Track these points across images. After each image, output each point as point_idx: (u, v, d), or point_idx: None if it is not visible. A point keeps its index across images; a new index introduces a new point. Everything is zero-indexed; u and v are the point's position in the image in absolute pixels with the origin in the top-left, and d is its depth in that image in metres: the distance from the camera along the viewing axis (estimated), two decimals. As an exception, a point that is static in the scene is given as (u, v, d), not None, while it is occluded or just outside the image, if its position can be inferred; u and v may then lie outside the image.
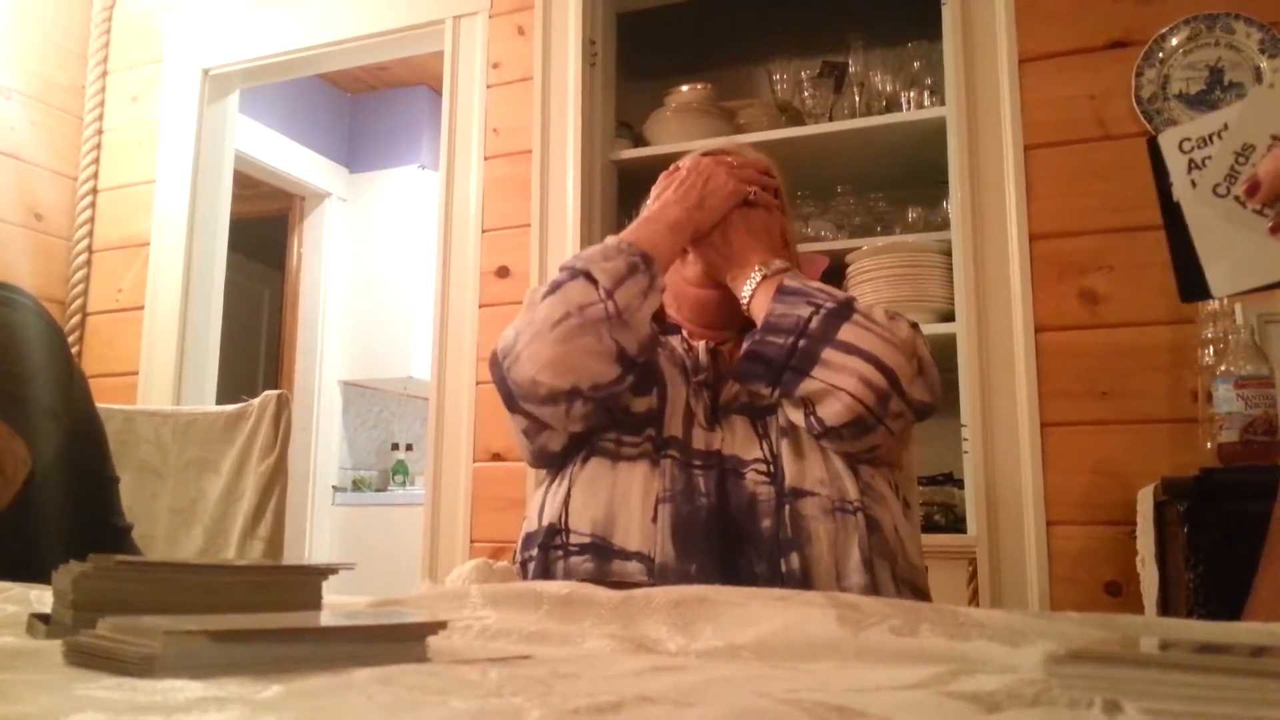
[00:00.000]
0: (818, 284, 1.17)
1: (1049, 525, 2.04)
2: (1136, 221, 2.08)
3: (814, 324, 1.10)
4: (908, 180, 2.59)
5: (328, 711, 0.40)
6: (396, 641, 0.51)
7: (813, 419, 1.10)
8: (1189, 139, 0.63)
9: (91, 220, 3.21)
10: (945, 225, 2.35)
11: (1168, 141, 0.63)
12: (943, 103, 2.32)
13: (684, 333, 1.30)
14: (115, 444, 1.61)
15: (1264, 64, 2.05)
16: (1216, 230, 0.61)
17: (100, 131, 3.27)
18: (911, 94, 2.50)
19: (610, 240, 1.19)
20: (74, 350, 3.09)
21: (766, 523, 1.07)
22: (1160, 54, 2.12)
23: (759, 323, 1.16)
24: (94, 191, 3.23)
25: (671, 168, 1.31)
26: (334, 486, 4.60)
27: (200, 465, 1.76)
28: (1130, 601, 1.93)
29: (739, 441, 1.15)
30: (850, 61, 2.59)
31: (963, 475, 2.14)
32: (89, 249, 3.19)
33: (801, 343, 1.10)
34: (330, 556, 4.39)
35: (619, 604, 0.61)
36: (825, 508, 1.08)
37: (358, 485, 4.75)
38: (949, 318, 2.22)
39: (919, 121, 2.38)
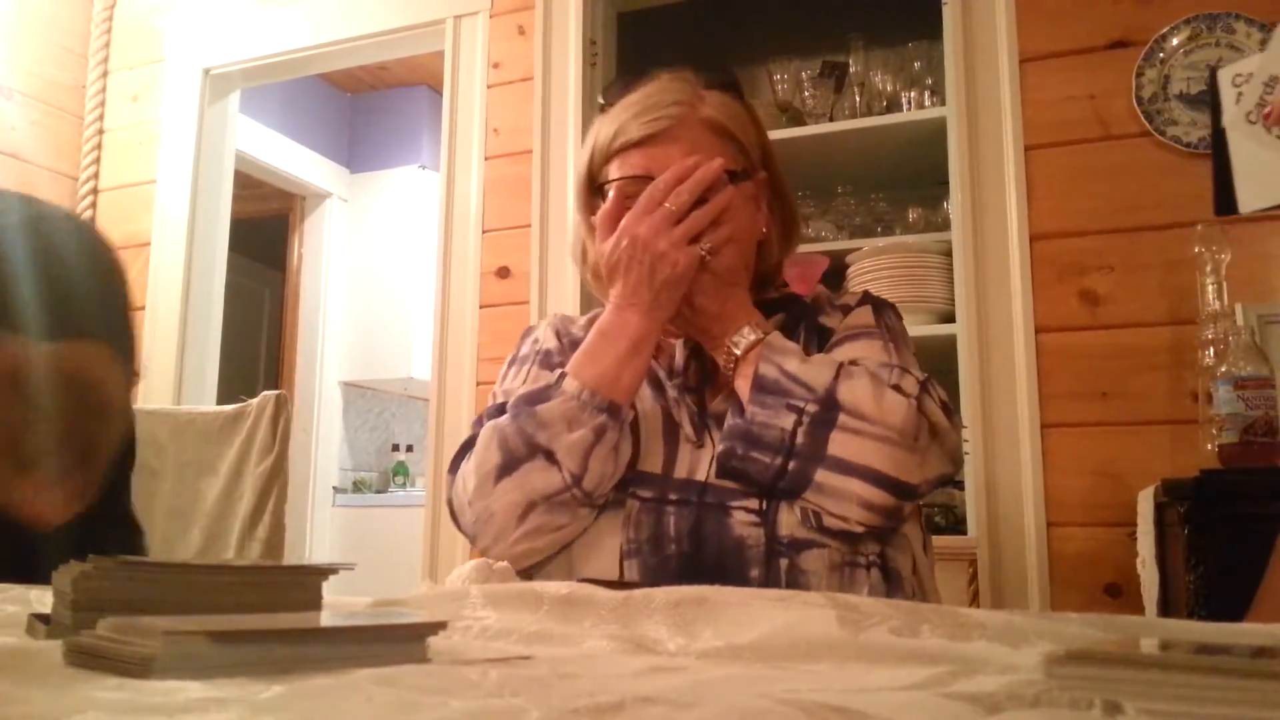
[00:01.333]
0: (796, 362, 1.00)
1: (1049, 526, 2.04)
2: (1137, 222, 2.08)
3: (800, 439, 0.96)
4: (908, 180, 2.59)
5: (327, 712, 0.40)
6: (397, 642, 0.51)
7: (813, 526, 0.97)
8: (1240, 73, 0.71)
9: (92, 220, 3.21)
10: (946, 226, 2.35)
11: (1224, 75, 0.72)
12: (943, 103, 2.32)
13: None
14: None
15: (1265, 64, 2.05)
16: (1248, 153, 0.68)
17: (101, 131, 3.27)
18: (912, 94, 2.50)
19: (570, 386, 1.01)
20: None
21: (754, 573, 0.96)
22: (1161, 54, 2.12)
23: (742, 399, 1.02)
24: (94, 192, 3.23)
25: (603, 212, 1.08)
26: (334, 487, 4.60)
27: (198, 466, 1.75)
28: (1130, 603, 1.93)
29: None
30: (851, 61, 2.59)
31: (963, 476, 2.14)
32: (89, 249, 3.19)
33: (791, 464, 0.96)
34: (331, 557, 4.39)
35: (619, 604, 0.61)
36: (833, 562, 0.97)
37: (358, 486, 4.75)
38: (949, 318, 2.22)
39: (919, 122, 2.38)
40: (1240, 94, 0.69)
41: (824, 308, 1.17)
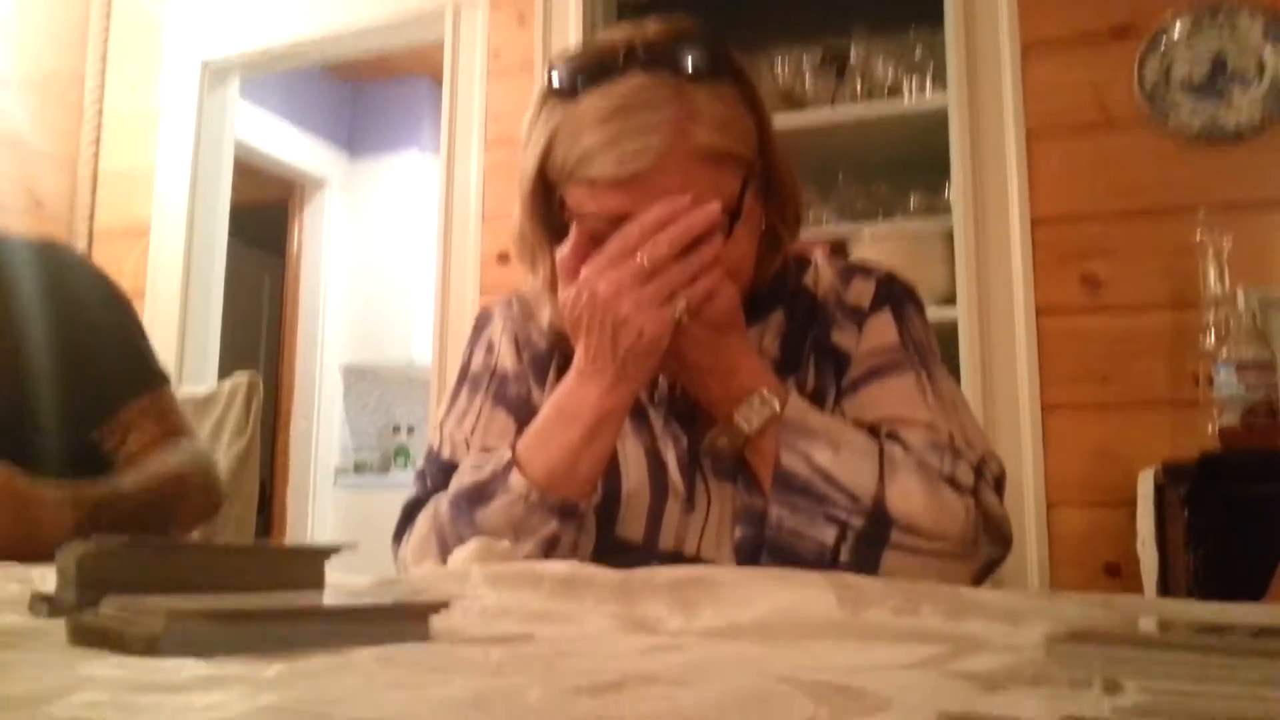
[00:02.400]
0: (827, 453, 0.83)
1: (1049, 507, 2.04)
2: (1139, 206, 2.07)
3: (844, 556, 0.80)
4: (909, 167, 2.59)
5: (329, 690, 0.40)
6: (398, 621, 0.51)
7: None
8: None
9: (92, 207, 3.20)
10: (947, 211, 2.35)
11: None
12: (945, 89, 2.31)
13: None
14: None
15: (1267, 52, 2.04)
16: None
17: (100, 120, 3.26)
18: (914, 81, 2.49)
19: (516, 484, 0.84)
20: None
21: None
22: (1163, 42, 2.12)
23: (760, 483, 0.86)
24: (94, 178, 3.22)
25: (564, 255, 0.87)
26: (336, 469, 4.62)
27: None
28: (1130, 583, 1.93)
29: (724, 527, 0.88)
30: (852, 49, 2.58)
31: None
32: (89, 235, 3.19)
33: None
34: (333, 538, 4.41)
35: (620, 584, 0.61)
36: None
37: (359, 468, 4.77)
38: (950, 302, 2.22)
39: (921, 109, 2.37)
40: None
41: (834, 315, 0.97)
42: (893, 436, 0.85)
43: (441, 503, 0.89)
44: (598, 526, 0.88)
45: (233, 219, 3.30)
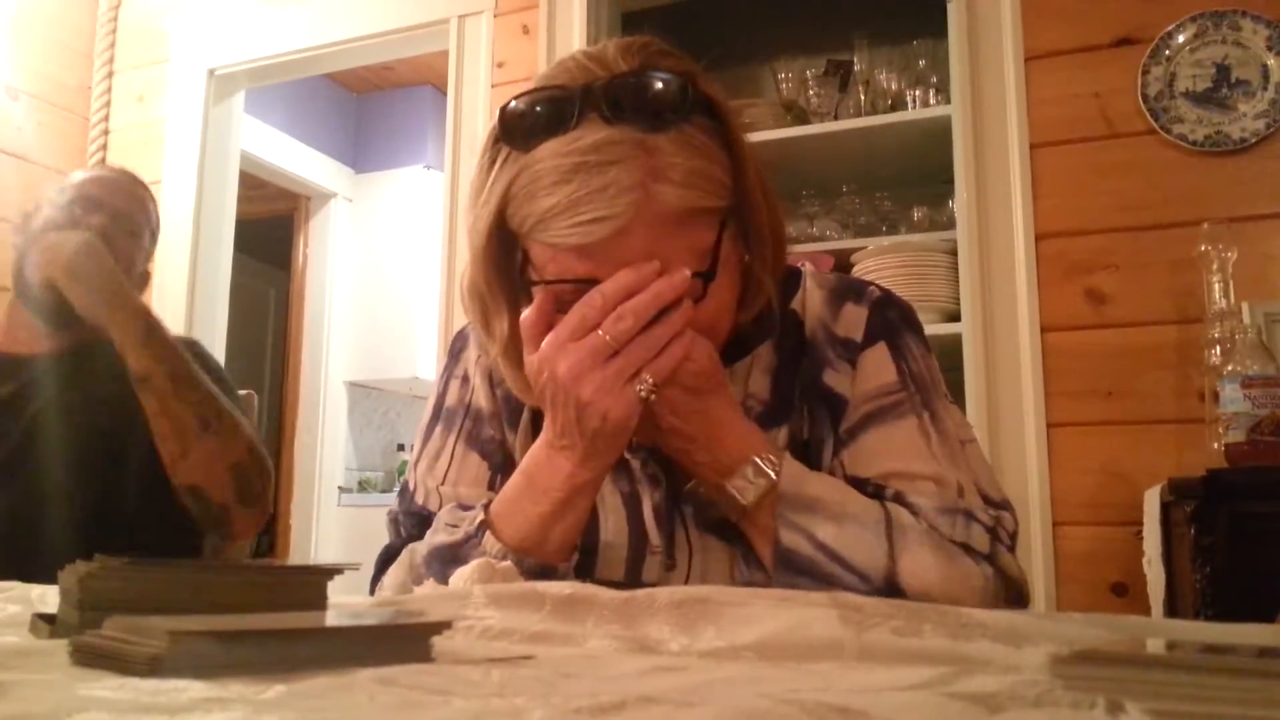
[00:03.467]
0: (830, 528, 0.78)
1: (1055, 525, 2.03)
2: (1143, 221, 2.07)
3: None
4: (913, 179, 2.59)
5: (330, 711, 0.40)
6: (400, 641, 0.51)
7: None
8: None
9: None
10: (950, 224, 2.35)
11: None
12: (948, 101, 2.31)
13: None
14: None
15: (1271, 61, 2.04)
16: None
17: (106, 132, 3.28)
18: (917, 92, 2.49)
19: (489, 547, 0.82)
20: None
21: None
22: (1167, 51, 2.12)
23: (759, 553, 0.81)
24: (100, 192, 3.23)
25: (527, 321, 0.80)
26: (339, 487, 4.61)
27: None
28: (1137, 602, 1.92)
29: (708, 580, 0.85)
30: (855, 60, 2.59)
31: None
32: (95, 249, 3.20)
33: None
34: (335, 556, 4.40)
35: (621, 604, 0.61)
36: None
37: (363, 486, 4.76)
38: (954, 317, 2.22)
39: (924, 120, 2.38)
40: None
41: (825, 354, 0.90)
42: (899, 499, 0.81)
43: (416, 555, 0.87)
44: (576, 576, 0.84)
45: (238, 232, 3.31)
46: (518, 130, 0.78)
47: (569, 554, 0.83)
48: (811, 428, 0.87)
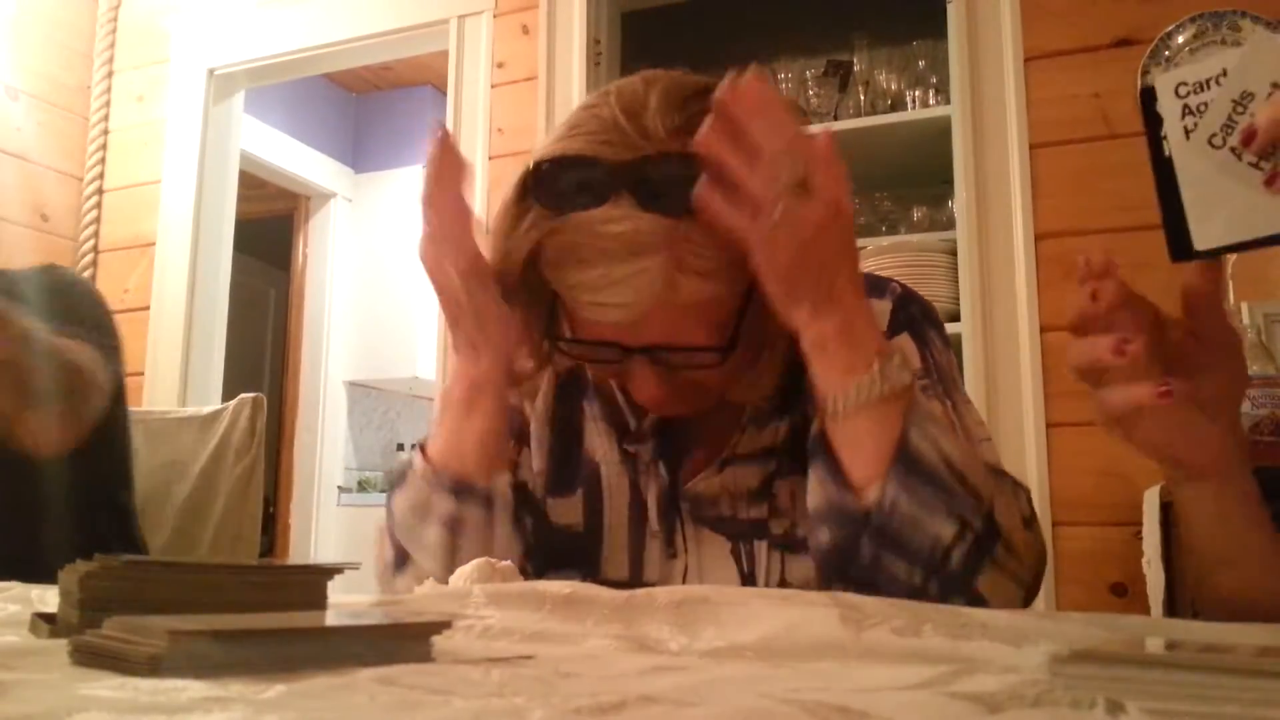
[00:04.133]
0: (950, 441, 0.75)
1: (1055, 526, 2.03)
2: (1143, 221, 2.07)
3: (955, 561, 0.72)
4: (912, 179, 2.59)
5: (330, 711, 0.40)
6: (400, 641, 0.51)
7: None
8: (1185, 83, 0.56)
9: (97, 221, 3.21)
10: (950, 225, 2.35)
11: (1164, 85, 0.56)
12: (948, 101, 2.31)
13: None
14: None
15: (1270, 62, 2.04)
16: (1209, 183, 0.54)
17: (106, 132, 3.28)
18: (916, 93, 2.50)
19: (416, 465, 0.85)
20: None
21: None
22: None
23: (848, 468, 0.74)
24: (100, 192, 3.24)
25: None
26: (339, 487, 4.61)
27: (170, 468, 1.73)
28: (1136, 602, 1.92)
29: (704, 574, 0.85)
30: (855, 60, 2.59)
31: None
32: (95, 249, 3.20)
33: (932, 585, 0.72)
34: (335, 556, 4.40)
35: (621, 604, 0.61)
36: None
37: (363, 486, 4.76)
38: (954, 318, 2.22)
39: (924, 120, 2.38)
40: (1187, 107, 0.55)
41: None
42: None
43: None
44: (586, 561, 0.86)
45: (238, 232, 3.31)
46: (549, 193, 0.78)
47: (487, 471, 0.83)
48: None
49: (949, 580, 0.72)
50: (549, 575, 0.84)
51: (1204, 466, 0.74)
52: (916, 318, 0.91)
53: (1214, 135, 0.52)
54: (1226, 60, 0.52)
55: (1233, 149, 0.51)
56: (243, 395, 1.74)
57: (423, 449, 0.86)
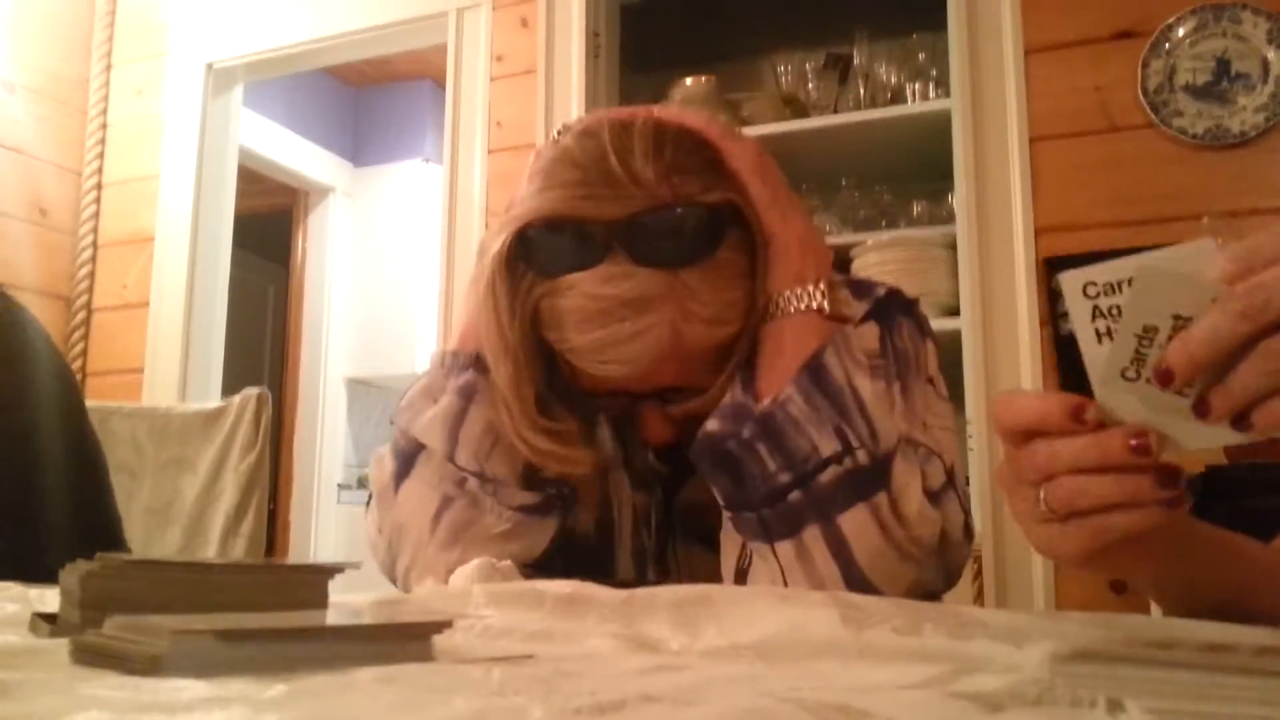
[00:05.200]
0: (867, 384, 0.78)
1: (1054, 521, 2.03)
2: (1142, 215, 2.07)
3: (823, 480, 0.74)
4: (913, 173, 2.58)
5: (330, 711, 0.40)
6: (401, 641, 0.51)
7: None
8: (1094, 283, 0.53)
9: (96, 215, 3.21)
10: (950, 219, 2.35)
11: (1070, 284, 0.53)
12: (948, 95, 2.31)
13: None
14: None
15: (1271, 54, 2.04)
16: (1137, 413, 0.54)
17: (104, 126, 3.27)
18: (917, 86, 2.49)
19: (433, 356, 0.89)
20: (78, 347, 3.10)
21: None
22: (1167, 44, 2.11)
23: (766, 373, 0.78)
24: (99, 187, 3.23)
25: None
26: (339, 484, 4.60)
27: (177, 464, 1.74)
28: (1135, 600, 1.92)
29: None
30: (855, 53, 2.58)
31: (968, 473, 2.14)
32: (94, 244, 3.20)
33: (792, 495, 0.75)
34: (335, 554, 4.40)
35: (622, 603, 0.61)
36: None
37: (363, 483, 4.75)
38: (954, 312, 2.22)
39: (924, 114, 2.37)
40: (1096, 309, 0.52)
41: None
42: None
43: None
44: (598, 559, 0.87)
45: (236, 227, 3.30)
46: (542, 259, 0.78)
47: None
48: None
49: (814, 497, 0.74)
50: (557, 564, 0.85)
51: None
52: (889, 307, 0.91)
53: (1126, 369, 0.51)
54: (1132, 267, 0.49)
55: (1148, 381, 0.51)
56: (247, 390, 1.74)
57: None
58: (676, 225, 0.75)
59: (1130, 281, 0.49)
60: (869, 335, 0.86)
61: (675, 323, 0.75)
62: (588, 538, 0.89)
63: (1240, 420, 0.50)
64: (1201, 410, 0.51)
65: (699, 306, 0.76)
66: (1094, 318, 0.51)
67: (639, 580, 0.86)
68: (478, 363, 0.83)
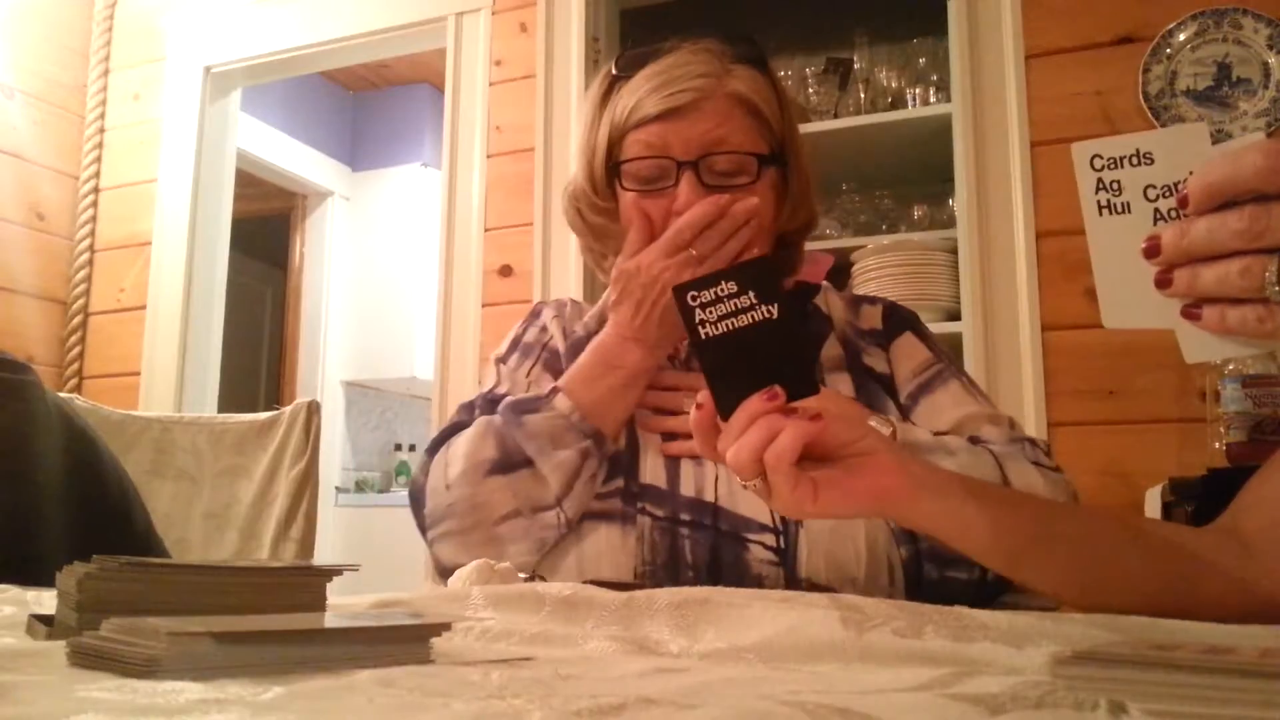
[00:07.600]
0: (947, 459, 0.89)
1: (1054, 524, 2.03)
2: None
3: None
4: (913, 178, 2.59)
5: (329, 713, 0.40)
6: (399, 643, 0.51)
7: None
8: (1100, 155, 0.56)
9: (93, 220, 3.21)
10: (951, 223, 2.35)
11: (1079, 155, 0.56)
12: (949, 99, 2.31)
13: None
14: (153, 452, 1.82)
15: (1272, 59, 2.04)
16: (1117, 266, 0.55)
17: (102, 130, 3.27)
18: (917, 90, 2.49)
19: (561, 405, 0.96)
20: (75, 351, 3.10)
21: None
22: (1168, 49, 2.12)
23: None
24: (96, 191, 3.23)
25: (626, 207, 1.02)
26: (337, 487, 4.60)
27: (234, 471, 1.82)
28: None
29: (735, 479, 0.95)
30: (856, 58, 2.59)
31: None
32: (91, 248, 3.20)
33: (989, 574, 0.87)
34: (333, 557, 4.39)
35: (621, 605, 0.61)
36: None
37: (360, 486, 4.75)
38: (955, 316, 2.22)
39: (925, 118, 2.37)
40: (1100, 181, 0.55)
41: (858, 344, 1.07)
42: (975, 439, 0.95)
43: (494, 417, 0.99)
44: (624, 470, 0.97)
45: (234, 231, 3.30)
46: (623, 66, 1.05)
47: (618, 430, 0.99)
48: (865, 400, 1.01)
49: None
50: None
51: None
52: (909, 318, 1.09)
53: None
54: (1144, 140, 0.51)
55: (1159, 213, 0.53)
56: (299, 400, 1.83)
57: (563, 390, 0.98)
58: (731, 34, 1.10)
59: (1134, 157, 0.52)
60: (915, 347, 1.06)
61: (722, 77, 1.01)
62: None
63: (1192, 310, 0.54)
64: (1162, 281, 0.54)
65: (740, 76, 1.03)
66: (1098, 189, 0.54)
67: (674, 484, 0.95)
68: (598, 435, 0.96)
